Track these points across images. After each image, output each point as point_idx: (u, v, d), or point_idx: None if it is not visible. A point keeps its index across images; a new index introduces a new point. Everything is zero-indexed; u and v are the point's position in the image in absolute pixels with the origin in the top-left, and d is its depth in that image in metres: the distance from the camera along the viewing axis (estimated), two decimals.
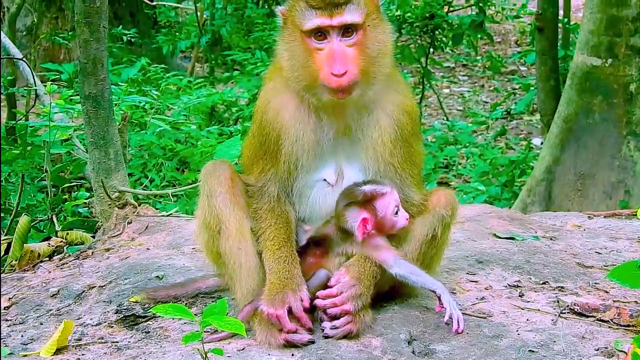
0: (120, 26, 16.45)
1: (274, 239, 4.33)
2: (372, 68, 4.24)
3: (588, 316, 4.47)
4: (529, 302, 4.69)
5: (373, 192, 4.25)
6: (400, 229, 4.35)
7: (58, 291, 5.10)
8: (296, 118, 4.34)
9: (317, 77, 4.20)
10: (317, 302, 4.20)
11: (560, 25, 13.99)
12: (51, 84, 7.58)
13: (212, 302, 4.53)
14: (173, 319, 4.49)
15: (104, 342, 4.38)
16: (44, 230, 6.98)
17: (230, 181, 4.41)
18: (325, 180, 4.38)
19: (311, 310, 4.22)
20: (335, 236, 4.34)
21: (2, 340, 4.48)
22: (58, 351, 4.27)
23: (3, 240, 6.30)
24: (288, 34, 4.31)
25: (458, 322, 4.15)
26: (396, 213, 4.30)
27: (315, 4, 4.17)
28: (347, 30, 4.18)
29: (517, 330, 4.29)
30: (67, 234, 6.38)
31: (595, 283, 4.98)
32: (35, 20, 16.17)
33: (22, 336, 4.55)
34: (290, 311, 4.13)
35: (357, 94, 4.21)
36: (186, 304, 4.68)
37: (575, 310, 4.52)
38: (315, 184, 4.39)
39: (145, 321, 4.59)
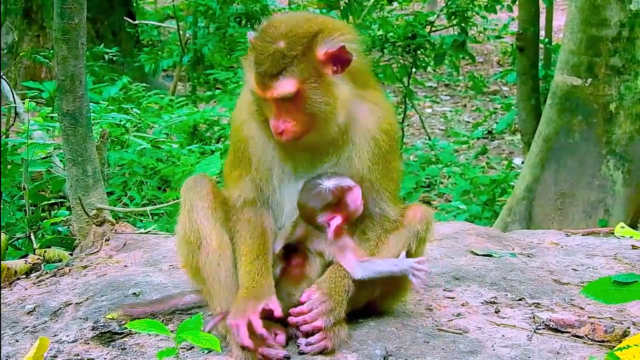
0: (102, 45, 16.45)
1: (247, 254, 4.28)
2: (317, 122, 4.15)
3: (563, 332, 4.49)
4: (504, 318, 4.71)
5: (340, 188, 4.23)
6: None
7: (34, 308, 5.07)
8: (262, 129, 4.31)
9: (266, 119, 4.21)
10: (290, 319, 4.19)
11: (541, 45, 14.06)
12: (29, 101, 7.59)
13: (189, 318, 4.51)
14: (149, 335, 4.47)
15: (80, 359, 4.36)
16: (22, 248, 6.95)
17: (212, 195, 4.37)
18: None
19: (286, 325, 4.22)
20: (310, 234, 4.34)
21: None
22: None
23: None
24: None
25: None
26: None
27: (256, 69, 4.07)
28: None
29: (493, 346, 4.30)
30: (45, 251, 6.35)
31: (571, 299, 5.01)
32: (17, 39, 16.17)
33: None
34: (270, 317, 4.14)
35: (308, 139, 4.18)
36: (163, 320, 4.66)
37: (551, 326, 4.54)
38: (294, 194, 4.35)
39: (122, 338, 4.56)
